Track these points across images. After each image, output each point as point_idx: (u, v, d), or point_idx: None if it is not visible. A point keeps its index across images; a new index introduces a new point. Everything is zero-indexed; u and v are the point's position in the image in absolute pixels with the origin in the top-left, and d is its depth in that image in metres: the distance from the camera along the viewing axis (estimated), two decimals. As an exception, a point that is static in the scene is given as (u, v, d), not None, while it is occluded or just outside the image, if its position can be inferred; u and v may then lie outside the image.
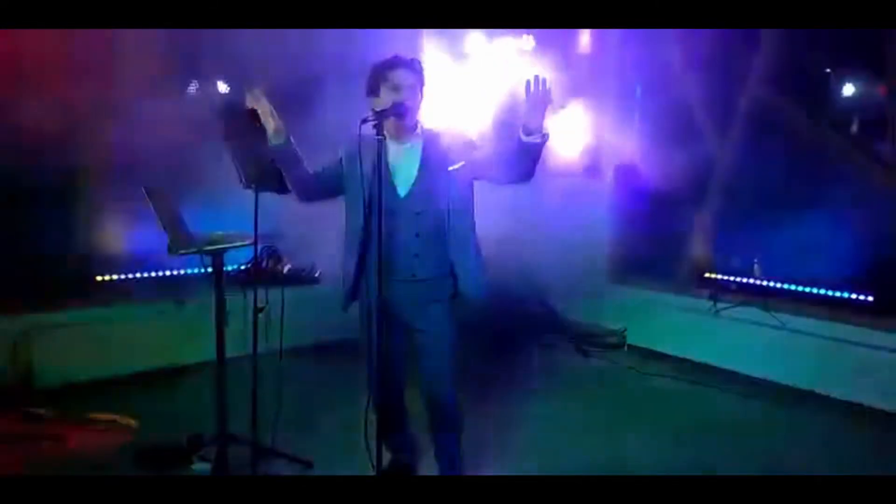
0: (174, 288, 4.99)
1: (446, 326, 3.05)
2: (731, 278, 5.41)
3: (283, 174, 3.05)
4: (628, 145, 5.76)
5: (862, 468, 3.68)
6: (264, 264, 3.33)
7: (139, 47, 4.46)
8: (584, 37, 5.82)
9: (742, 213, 5.27)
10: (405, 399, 3.27)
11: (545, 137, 2.71)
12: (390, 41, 3.24)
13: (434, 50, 4.72)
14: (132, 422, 4.12)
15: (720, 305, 5.22)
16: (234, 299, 3.40)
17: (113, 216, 4.69)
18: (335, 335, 4.84)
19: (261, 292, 3.18)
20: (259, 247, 3.21)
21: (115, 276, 4.98)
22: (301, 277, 4.56)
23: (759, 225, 5.05)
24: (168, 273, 5.12)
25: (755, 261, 5.30)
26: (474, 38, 5.09)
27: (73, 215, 4.80)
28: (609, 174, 6.00)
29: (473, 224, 3.04)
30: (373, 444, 2.85)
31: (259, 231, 3.14)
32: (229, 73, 5.12)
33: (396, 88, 2.88)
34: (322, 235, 3.84)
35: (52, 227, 4.70)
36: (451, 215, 2.93)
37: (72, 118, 4.42)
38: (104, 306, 4.83)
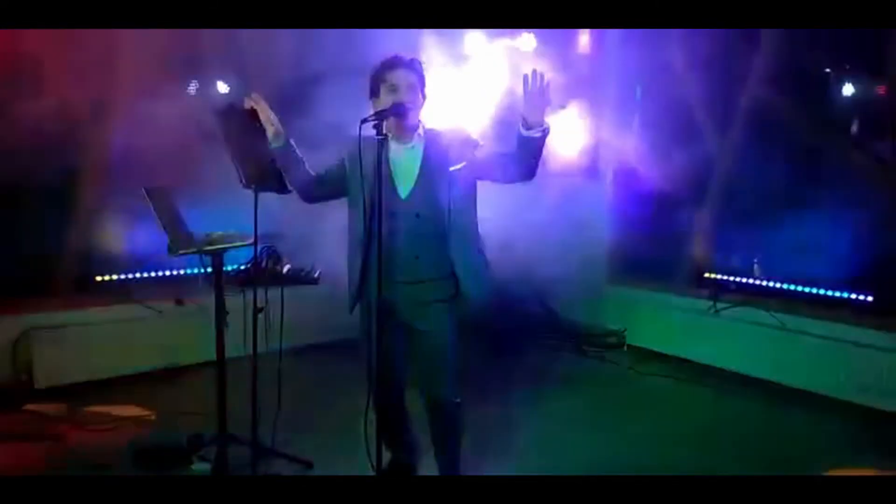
0: (174, 288, 5.00)
1: (447, 327, 3.04)
2: (731, 278, 5.41)
3: (284, 175, 3.05)
4: (628, 145, 5.76)
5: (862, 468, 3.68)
6: (264, 264, 3.33)
7: (139, 47, 4.46)
8: (584, 37, 5.82)
9: (742, 213, 5.27)
10: (405, 399, 3.27)
11: (545, 131, 2.69)
12: (390, 41, 3.23)
13: (434, 50, 4.71)
14: (152, 415, 4.18)
15: (720, 305, 5.23)
16: (233, 299, 3.41)
17: (113, 216, 4.69)
18: (335, 335, 4.85)
19: (260, 292, 3.19)
20: (259, 247, 3.22)
21: (115, 276, 4.99)
22: (301, 278, 4.56)
23: (759, 225, 5.05)
24: (168, 273, 5.13)
25: (755, 261, 5.30)
26: (474, 39, 5.08)
27: (74, 215, 4.81)
28: (609, 174, 6.00)
29: (476, 224, 3.03)
30: (373, 444, 2.85)
31: (259, 231, 3.14)
32: (229, 73, 5.12)
33: (396, 88, 2.87)
34: (322, 235, 3.84)
35: (53, 227, 4.71)
36: (452, 215, 2.91)
37: (71, 118, 4.43)
38: (104, 306, 4.83)
